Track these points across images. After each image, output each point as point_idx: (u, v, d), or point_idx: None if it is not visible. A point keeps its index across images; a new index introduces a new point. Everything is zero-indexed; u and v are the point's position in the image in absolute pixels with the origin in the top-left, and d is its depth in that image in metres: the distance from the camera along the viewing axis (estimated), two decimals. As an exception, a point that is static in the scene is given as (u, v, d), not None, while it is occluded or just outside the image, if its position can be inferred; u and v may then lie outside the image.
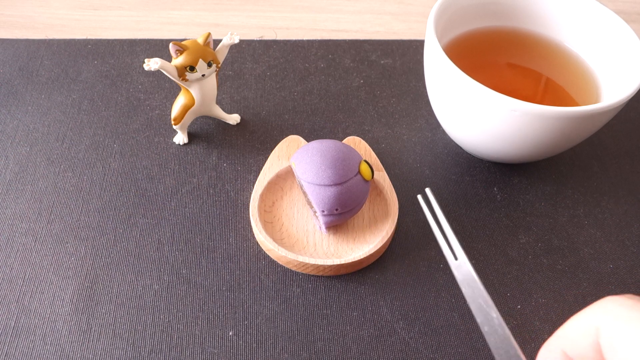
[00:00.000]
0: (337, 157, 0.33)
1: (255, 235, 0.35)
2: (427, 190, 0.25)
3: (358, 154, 0.34)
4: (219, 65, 0.37)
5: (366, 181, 0.34)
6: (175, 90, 0.43)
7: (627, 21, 0.37)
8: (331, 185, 0.32)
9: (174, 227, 0.35)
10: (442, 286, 0.34)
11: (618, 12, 0.38)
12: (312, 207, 0.34)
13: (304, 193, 0.34)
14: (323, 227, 0.34)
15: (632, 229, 0.37)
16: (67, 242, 0.34)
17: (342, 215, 0.33)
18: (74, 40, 0.48)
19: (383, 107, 0.44)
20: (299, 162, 0.34)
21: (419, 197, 0.26)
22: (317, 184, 0.33)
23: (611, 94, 0.36)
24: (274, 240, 0.34)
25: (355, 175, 0.33)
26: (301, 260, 0.32)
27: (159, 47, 0.48)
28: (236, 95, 0.44)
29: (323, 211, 0.33)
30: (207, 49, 0.35)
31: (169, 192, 0.37)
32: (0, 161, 0.38)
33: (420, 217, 0.37)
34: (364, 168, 0.33)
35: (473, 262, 0.35)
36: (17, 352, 0.30)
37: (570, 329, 0.19)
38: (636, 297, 0.17)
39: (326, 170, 0.32)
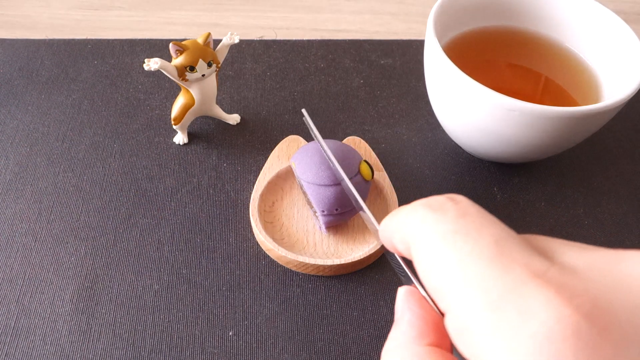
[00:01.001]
0: (336, 157, 0.33)
1: (255, 235, 0.35)
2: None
3: (358, 154, 0.34)
4: (219, 65, 0.37)
5: (366, 181, 0.34)
6: (175, 90, 0.43)
7: (627, 21, 0.37)
8: (331, 185, 0.32)
9: (174, 227, 0.35)
10: (442, 286, 0.34)
11: (618, 12, 0.38)
12: (312, 207, 0.34)
13: (304, 193, 0.34)
14: (323, 227, 0.34)
15: (632, 229, 0.37)
16: (67, 242, 0.34)
17: (342, 215, 0.33)
18: (74, 40, 0.48)
19: (383, 107, 0.44)
20: (298, 162, 0.34)
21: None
22: (316, 184, 0.33)
23: (611, 94, 0.36)
24: (274, 240, 0.34)
25: (355, 175, 0.33)
26: (301, 260, 0.32)
27: (159, 47, 0.48)
28: (236, 95, 0.44)
29: (323, 211, 0.33)
30: (207, 49, 0.35)
31: (169, 192, 0.37)
32: (0, 161, 0.38)
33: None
34: (364, 168, 0.33)
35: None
36: (17, 352, 0.30)
37: (391, 226, 0.18)
38: (457, 203, 0.16)
39: (326, 170, 0.32)
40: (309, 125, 0.33)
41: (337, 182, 0.32)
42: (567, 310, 0.12)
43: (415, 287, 0.19)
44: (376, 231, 0.22)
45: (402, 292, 0.19)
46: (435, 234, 0.16)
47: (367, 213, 0.25)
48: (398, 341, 0.17)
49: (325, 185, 0.32)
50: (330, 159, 0.32)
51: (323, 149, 0.32)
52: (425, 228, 0.16)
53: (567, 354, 0.12)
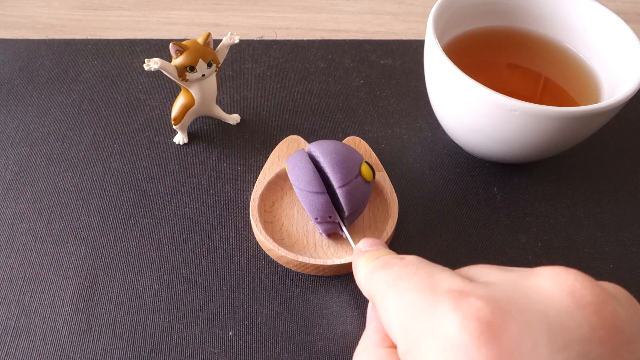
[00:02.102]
0: (337, 159, 0.32)
1: (255, 235, 0.35)
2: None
3: (359, 154, 0.34)
4: (219, 65, 0.37)
5: (367, 182, 0.33)
6: (175, 90, 0.43)
7: (627, 21, 0.37)
8: (322, 192, 0.32)
9: (174, 227, 0.35)
10: (442, 286, 0.34)
11: (618, 12, 0.38)
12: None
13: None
14: (324, 234, 0.34)
15: (632, 229, 0.37)
16: (67, 242, 0.34)
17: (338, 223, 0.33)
18: (74, 40, 0.48)
19: (383, 107, 0.44)
20: (292, 167, 0.33)
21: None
22: (308, 191, 0.32)
23: (611, 94, 0.36)
24: (274, 240, 0.34)
25: (356, 177, 0.32)
26: (301, 260, 0.32)
27: (159, 47, 0.48)
28: (236, 95, 0.44)
29: (316, 218, 0.32)
30: (207, 49, 0.35)
31: (169, 192, 0.37)
32: (0, 161, 0.38)
33: (421, 217, 0.37)
34: (365, 169, 0.33)
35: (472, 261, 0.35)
36: (17, 352, 0.30)
37: (359, 282, 0.23)
38: (404, 263, 0.20)
39: (318, 177, 0.32)
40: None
41: (339, 186, 0.32)
42: (468, 313, 0.16)
43: None
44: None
45: (371, 303, 0.23)
46: (383, 282, 0.19)
47: (349, 239, 0.31)
48: (364, 345, 0.21)
49: (317, 193, 0.32)
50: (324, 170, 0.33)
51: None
52: (376, 282, 0.20)
53: (471, 348, 0.15)
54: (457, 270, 0.19)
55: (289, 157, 0.34)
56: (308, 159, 0.33)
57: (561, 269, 0.17)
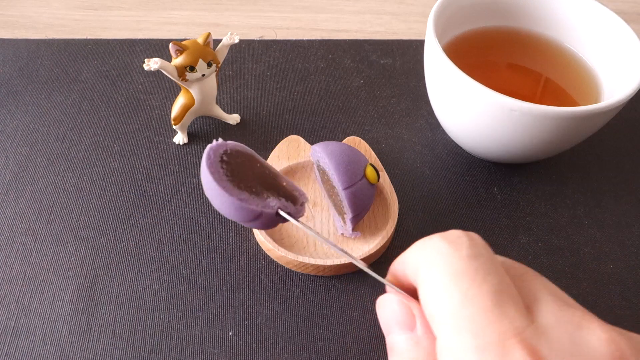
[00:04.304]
0: (342, 162, 0.32)
1: (255, 235, 0.35)
2: None
3: (364, 156, 0.34)
4: (219, 65, 0.37)
5: (371, 185, 0.33)
6: (175, 90, 0.43)
7: (627, 21, 0.37)
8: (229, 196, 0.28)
9: (174, 227, 0.35)
10: (442, 286, 0.34)
11: (618, 12, 0.38)
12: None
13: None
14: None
15: (632, 229, 0.37)
16: (67, 242, 0.34)
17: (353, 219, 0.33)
18: (74, 40, 0.48)
19: (383, 107, 0.44)
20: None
21: None
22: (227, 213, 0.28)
23: (611, 94, 0.36)
24: (274, 240, 0.34)
25: (360, 179, 0.32)
26: (301, 260, 0.32)
27: (159, 47, 0.48)
28: (236, 95, 0.44)
29: (251, 221, 0.32)
30: (207, 49, 0.35)
31: (169, 192, 0.37)
32: (0, 161, 0.38)
33: (421, 217, 0.37)
34: (370, 171, 0.33)
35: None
36: (17, 352, 0.30)
37: (403, 259, 0.20)
38: (464, 240, 0.18)
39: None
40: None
41: (348, 186, 0.32)
42: None
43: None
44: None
45: (398, 299, 0.20)
46: (446, 267, 0.18)
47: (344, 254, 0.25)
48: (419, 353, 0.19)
49: (232, 204, 0.31)
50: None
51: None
52: (439, 260, 0.18)
53: None
54: (517, 278, 0.18)
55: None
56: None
57: (616, 338, 0.16)
